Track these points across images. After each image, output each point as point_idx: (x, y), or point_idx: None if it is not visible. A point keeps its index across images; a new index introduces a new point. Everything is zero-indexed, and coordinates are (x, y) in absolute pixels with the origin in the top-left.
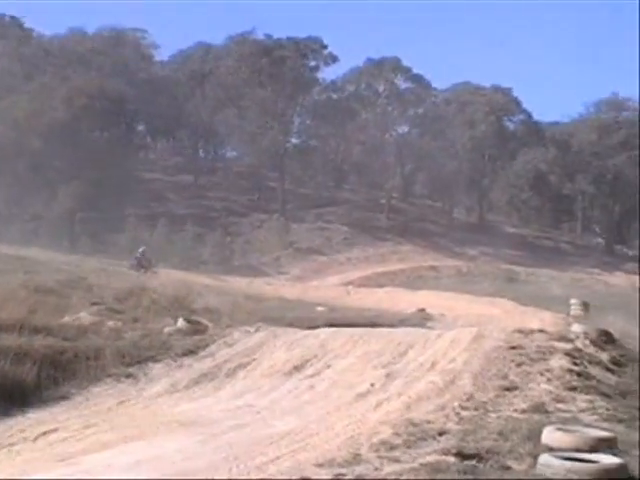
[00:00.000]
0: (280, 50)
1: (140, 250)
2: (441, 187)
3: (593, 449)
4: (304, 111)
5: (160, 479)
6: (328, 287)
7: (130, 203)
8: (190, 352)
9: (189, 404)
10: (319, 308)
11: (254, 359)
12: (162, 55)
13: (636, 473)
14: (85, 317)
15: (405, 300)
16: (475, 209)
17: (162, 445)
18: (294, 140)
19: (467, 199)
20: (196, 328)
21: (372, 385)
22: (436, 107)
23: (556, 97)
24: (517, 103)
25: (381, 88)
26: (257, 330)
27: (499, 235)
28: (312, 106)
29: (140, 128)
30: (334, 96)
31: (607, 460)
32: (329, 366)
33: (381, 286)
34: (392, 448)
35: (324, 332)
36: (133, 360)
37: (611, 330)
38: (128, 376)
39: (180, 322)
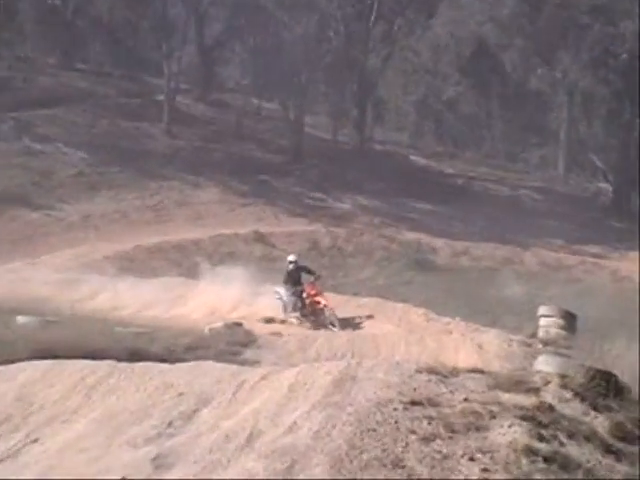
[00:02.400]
0: None
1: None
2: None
3: None
4: None
5: None
6: (45, 276)
7: None
8: None
9: None
10: (21, 319)
11: None
12: None
13: None
14: None
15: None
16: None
17: None
18: None
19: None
20: None
21: None
22: None
23: None
24: None
25: None
26: None
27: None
28: None
29: None
30: None
31: None
32: (36, 440)
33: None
34: None
35: (29, 369)
36: None
37: (618, 371)
38: None
39: None
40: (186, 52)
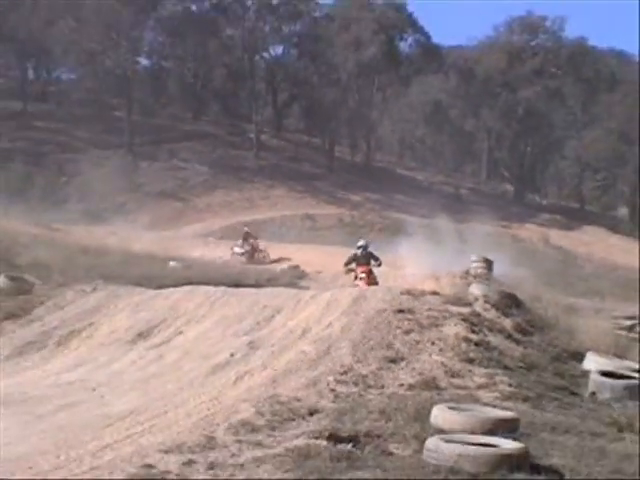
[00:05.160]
0: None
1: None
2: (321, 120)
3: (491, 431)
4: (157, 26)
5: None
6: (184, 238)
7: None
8: (13, 316)
9: (12, 378)
10: (172, 263)
11: (91, 324)
12: None
13: (539, 460)
14: None
15: (274, 255)
16: (361, 147)
17: None
18: (144, 61)
19: (351, 135)
20: (21, 287)
21: (232, 355)
22: (316, 24)
23: (460, 16)
24: (412, 21)
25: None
26: (95, 289)
27: (389, 179)
28: (166, 20)
29: None
30: (193, 8)
31: (506, 444)
32: (181, 332)
33: None
34: (254, 430)
35: (176, 292)
36: None
37: (517, 293)
38: None
39: (1, 280)
40: (266, 110)
